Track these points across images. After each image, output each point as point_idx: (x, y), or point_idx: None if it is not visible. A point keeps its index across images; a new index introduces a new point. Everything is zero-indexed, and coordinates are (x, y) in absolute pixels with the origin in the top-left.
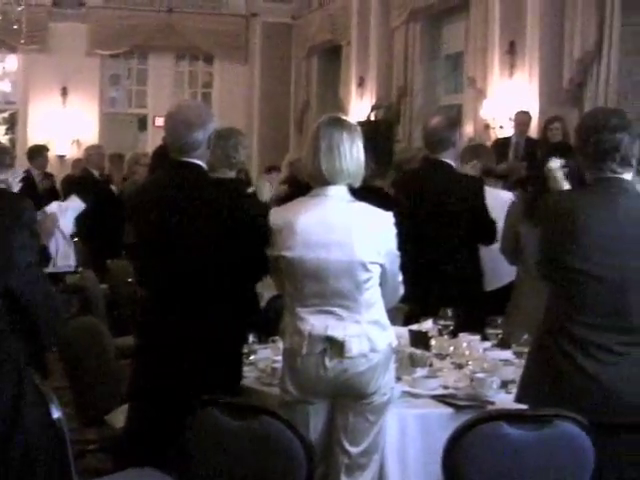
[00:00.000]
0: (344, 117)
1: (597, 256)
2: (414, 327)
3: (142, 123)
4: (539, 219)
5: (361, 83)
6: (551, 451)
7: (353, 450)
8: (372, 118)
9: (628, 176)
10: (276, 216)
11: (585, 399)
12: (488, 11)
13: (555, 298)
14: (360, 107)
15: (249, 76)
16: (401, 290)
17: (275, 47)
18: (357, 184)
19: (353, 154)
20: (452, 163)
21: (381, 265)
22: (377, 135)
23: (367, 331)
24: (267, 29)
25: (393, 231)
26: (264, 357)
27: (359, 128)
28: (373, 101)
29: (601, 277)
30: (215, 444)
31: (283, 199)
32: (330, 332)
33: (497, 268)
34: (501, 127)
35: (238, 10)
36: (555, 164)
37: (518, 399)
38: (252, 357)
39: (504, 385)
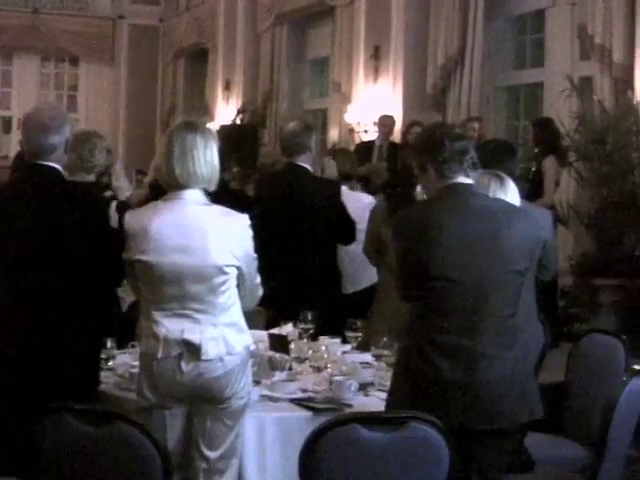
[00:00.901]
0: (198, 121)
1: (456, 260)
2: (274, 331)
3: (7, 125)
4: (394, 235)
5: (227, 86)
6: (405, 453)
7: (211, 455)
8: (238, 122)
9: (473, 180)
10: (131, 220)
11: (451, 406)
12: (353, 16)
13: (417, 307)
14: (226, 110)
15: (116, 78)
16: (259, 292)
17: (142, 49)
18: (212, 188)
19: (207, 158)
20: (309, 167)
21: (237, 267)
22: (242, 139)
23: (224, 334)
24: (134, 31)
25: (249, 233)
26: (123, 362)
27: (214, 132)
28: (239, 104)
29: (462, 281)
30: (68, 450)
31: (145, 202)
32: (186, 335)
33: (357, 271)
34: (365, 131)
35: (104, 12)
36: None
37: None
38: (111, 362)
39: (362, 388)
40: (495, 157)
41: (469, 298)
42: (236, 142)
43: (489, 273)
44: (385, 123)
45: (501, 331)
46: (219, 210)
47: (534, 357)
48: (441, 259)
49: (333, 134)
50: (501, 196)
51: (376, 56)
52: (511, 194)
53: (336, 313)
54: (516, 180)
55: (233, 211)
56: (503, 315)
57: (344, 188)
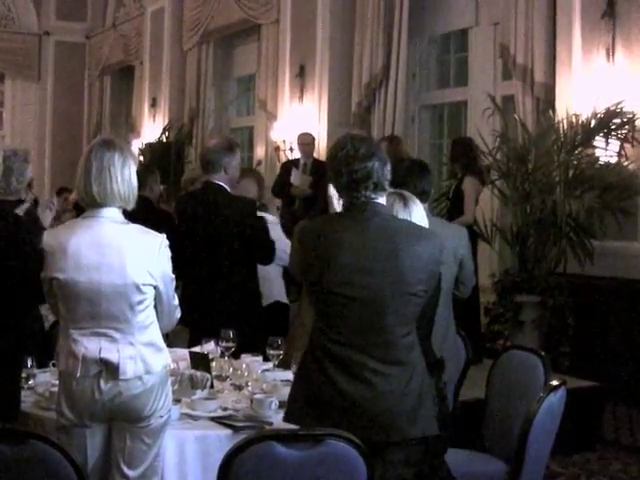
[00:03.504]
0: (116, 139)
1: (351, 277)
2: (196, 349)
3: None
4: (298, 245)
5: (154, 104)
6: (322, 470)
7: (131, 474)
8: (164, 139)
9: (382, 200)
10: (49, 238)
11: (344, 415)
12: (279, 35)
13: (316, 318)
14: (153, 128)
15: (42, 95)
16: (177, 313)
17: (68, 66)
18: (130, 206)
19: (125, 176)
20: (225, 186)
21: (155, 287)
22: (168, 156)
23: (142, 353)
24: (60, 48)
25: (167, 253)
26: (43, 381)
27: (132, 150)
28: (165, 122)
29: (357, 297)
30: None
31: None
32: (103, 355)
33: (272, 286)
34: (291, 149)
35: (30, 28)
36: (334, 191)
37: (286, 418)
38: (31, 381)
39: (283, 405)
40: (408, 176)
41: (362, 315)
42: (160, 160)
43: (384, 293)
44: (302, 141)
45: (394, 348)
46: (136, 229)
47: (455, 373)
48: (336, 276)
49: (259, 152)
50: (405, 216)
51: (301, 74)
52: (416, 214)
53: (257, 330)
54: (426, 199)
55: (150, 230)
56: (397, 333)
57: None
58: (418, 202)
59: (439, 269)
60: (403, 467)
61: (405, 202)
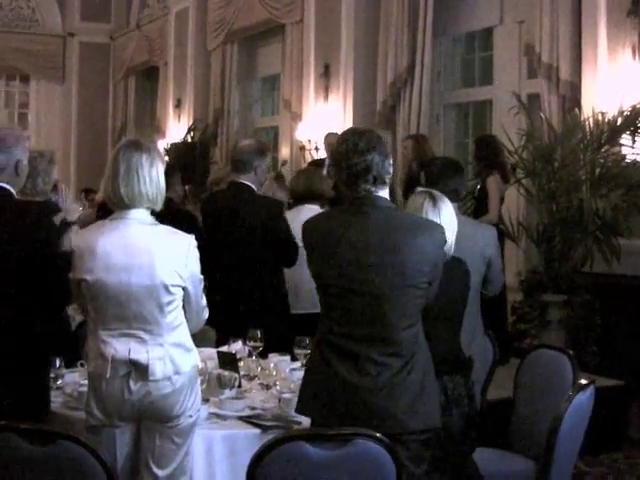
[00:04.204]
0: (143, 140)
1: (351, 270)
2: (224, 348)
3: None
4: (302, 240)
5: (178, 104)
6: (351, 469)
7: (161, 473)
8: (189, 139)
9: (384, 193)
10: (78, 239)
11: (348, 409)
12: (303, 34)
13: (322, 311)
14: (177, 128)
15: (66, 96)
16: (205, 314)
17: (93, 67)
18: (158, 207)
19: (152, 177)
20: (253, 186)
21: (183, 288)
22: (192, 157)
23: (171, 354)
24: (84, 49)
25: (195, 254)
26: (71, 381)
27: (159, 151)
28: (190, 122)
29: (357, 290)
30: (14, 470)
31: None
32: (133, 355)
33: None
34: (316, 149)
35: (55, 30)
36: None
37: (297, 409)
38: (59, 381)
39: None
40: (442, 174)
41: (362, 308)
42: (185, 160)
43: (384, 286)
44: (329, 140)
45: (394, 341)
46: (165, 230)
47: (482, 372)
48: (336, 269)
49: (284, 152)
50: (434, 217)
51: (326, 74)
52: (445, 214)
53: (282, 331)
54: (457, 198)
55: (179, 231)
56: (398, 326)
57: (316, 207)
58: (447, 201)
59: (442, 260)
60: (411, 464)
61: (434, 202)
